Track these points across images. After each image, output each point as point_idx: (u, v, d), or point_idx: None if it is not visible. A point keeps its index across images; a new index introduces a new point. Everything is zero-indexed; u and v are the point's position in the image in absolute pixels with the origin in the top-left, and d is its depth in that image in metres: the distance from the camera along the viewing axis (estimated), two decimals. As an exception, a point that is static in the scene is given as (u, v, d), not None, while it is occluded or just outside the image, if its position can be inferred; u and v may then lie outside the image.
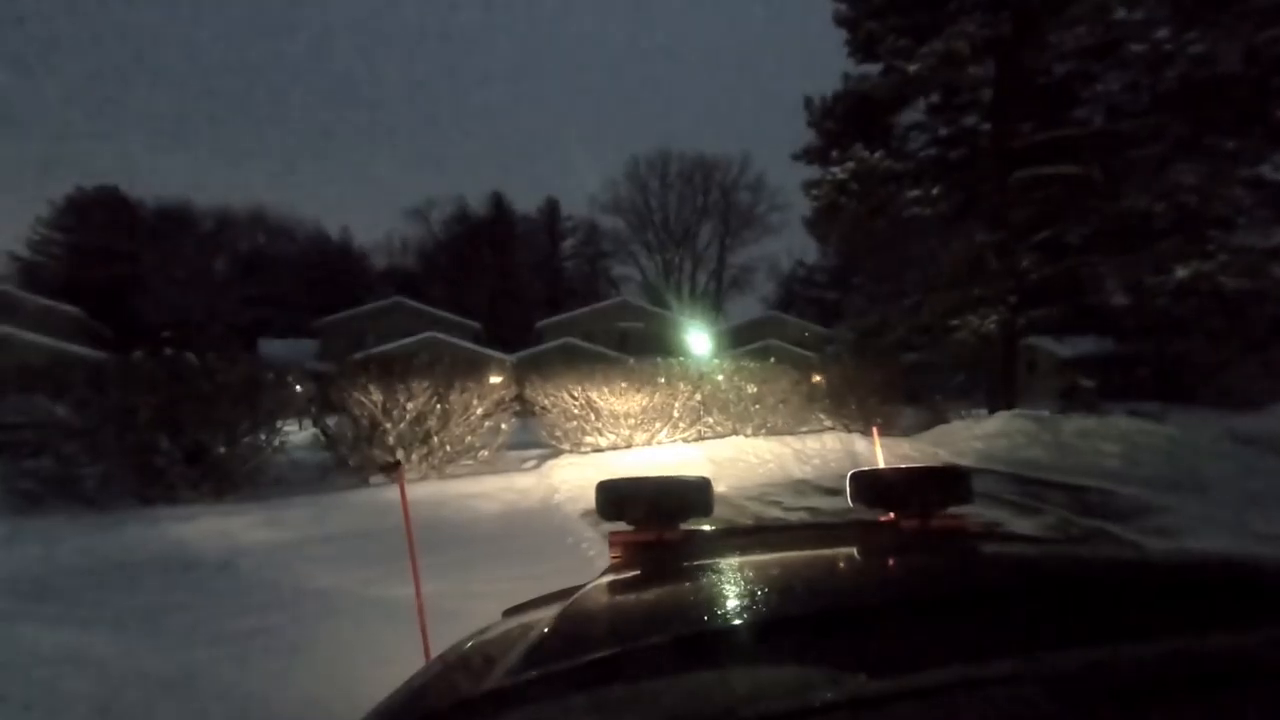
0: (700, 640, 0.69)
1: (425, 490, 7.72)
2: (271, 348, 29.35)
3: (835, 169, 11.81)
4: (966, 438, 11.89)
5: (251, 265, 43.11)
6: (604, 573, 1.18)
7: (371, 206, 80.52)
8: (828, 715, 0.50)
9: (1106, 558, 1.10)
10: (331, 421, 8.59)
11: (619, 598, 1.02)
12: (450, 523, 7.00)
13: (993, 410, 13.39)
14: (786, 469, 9.68)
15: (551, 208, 57.09)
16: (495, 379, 9.29)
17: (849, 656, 0.60)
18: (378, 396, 8.14)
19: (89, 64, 74.23)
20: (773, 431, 11.29)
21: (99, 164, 62.99)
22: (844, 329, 21.26)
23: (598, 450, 9.73)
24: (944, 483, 1.34)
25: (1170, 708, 0.50)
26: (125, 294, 36.14)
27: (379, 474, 8.04)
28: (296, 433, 9.21)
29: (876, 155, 11.65)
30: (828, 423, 12.54)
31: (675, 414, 10.50)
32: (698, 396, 10.73)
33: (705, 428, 10.85)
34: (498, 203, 54.31)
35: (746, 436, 10.76)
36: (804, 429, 11.70)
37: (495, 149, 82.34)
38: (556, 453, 9.97)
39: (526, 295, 47.92)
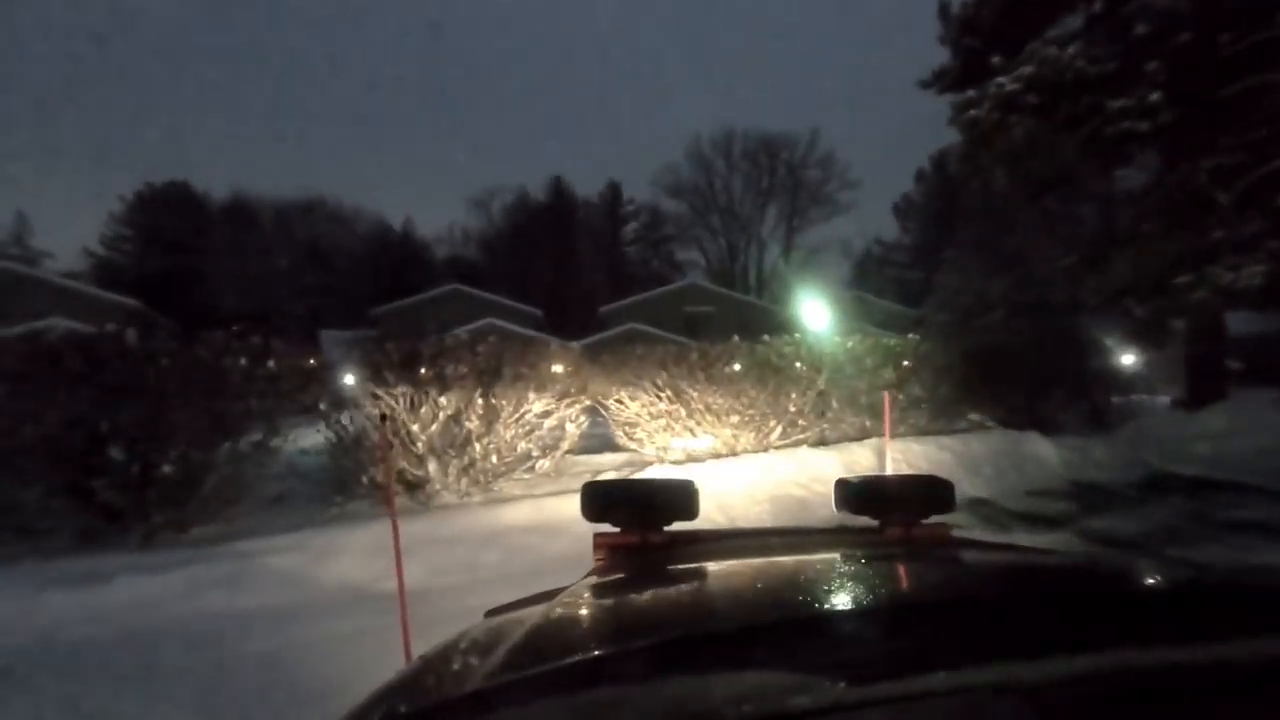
0: (681, 645, 0.66)
1: (464, 520, 5.53)
2: (332, 338, 28.60)
3: (1001, 79, 8.91)
4: (1179, 437, 8.89)
5: (315, 256, 42.73)
6: (587, 575, 1.17)
7: (434, 199, 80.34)
8: None
9: (1087, 567, 1.05)
10: (349, 421, 6.49)
11: (601, 601, 1.01)
12: (498, 574, 4.78)
13: (1198, 399, 10.25)
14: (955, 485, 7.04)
15: (613, 192, 55.28)
16: (557, 367, 7.00)
17: (829, 663, 0.59)
18: (402, 389, 5.98)
19: (158, 55, 76.30)
20: (917, 430, 8.62)
21: (169, 158, 64.64)
22: (931, 309, 18.22)
23: (694, 459, 7.32)
24: (927, 492, 1.34)
25: (1149, 717, 0.51)
26: (193, 287, 36.13)
27: (402, 491, 5.91)
28: (314, 435, 7.11)
29: (1069, 51, 8.66)
30: (973, 416, 9.78)
31: (792, 408, 7.98)
32: (819, 384, 8.16)
33: (829, 425, 8.29)
34: (557, 188, 52.83)
35: (900, 437, 8.12)
36: (958, 426, 8.99)
37: (556, 135, 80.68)
38: (638, 462, 7.61)
39: (588, 281, 46.32)
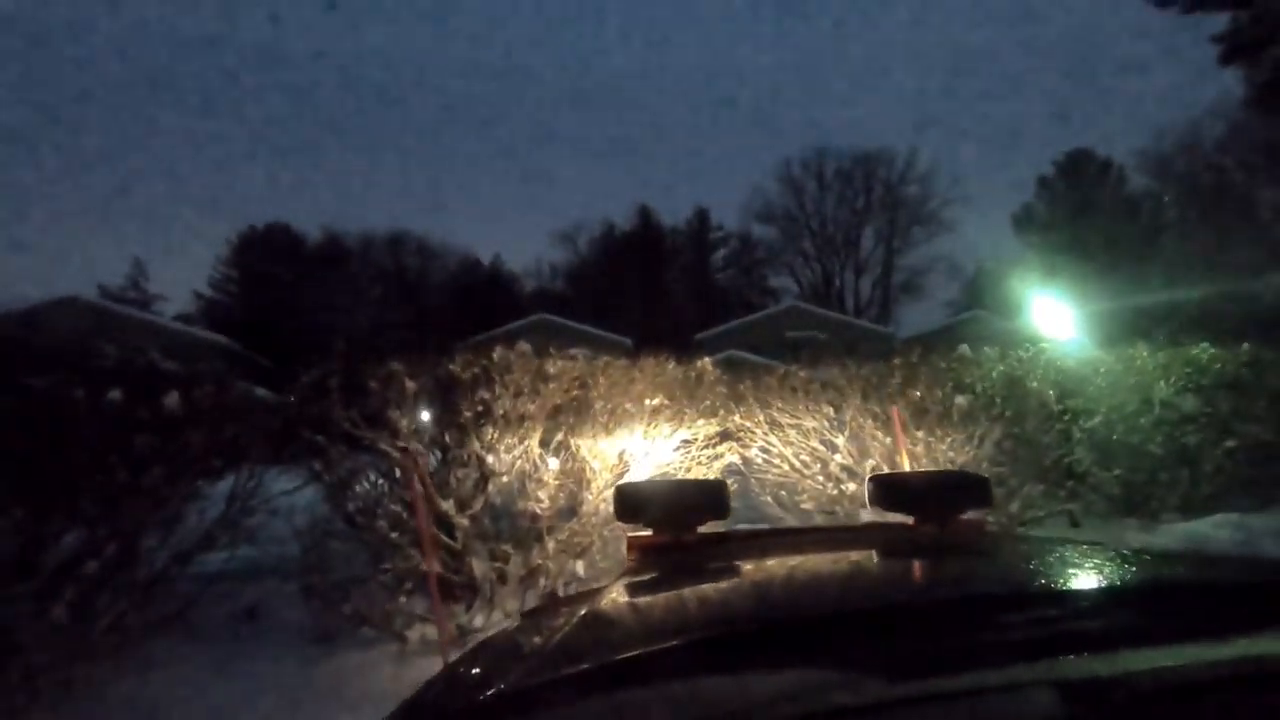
0: (716, 644, 0.65)
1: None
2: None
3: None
4: None
5: (405, 291, 42.88)
6: (621, 575, 1.16)
7: (522, 234, 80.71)
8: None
9: (1126, 562, 1.01)
10: (365, 490, 4.04)
11: (635, 600, 1.01)
12: None
13: None
14: None
15: (701, 219, 53.52)
16: (686, 399, 4.34)
17: (867, 660, 0.57)
18: (429, 439, 3.51)
19: (260, 99, 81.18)
20: (1264, 502, 5.29)
21: (275, 199, 68.14)
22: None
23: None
24: (962, 487, 1.32)
25: (1187, 713, 0.49)
26: (289, 325, 36.50)
27: (418, 615, 3.36)
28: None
29: None
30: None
31: (1046, 462, 4.94)
32: (1094, 422, 5.09)
33: (1111, 490, 5.17)
34: (645, 216, 51.59)
35: (1209, 508, 4.86)
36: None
37: (642, 166, 79.52)
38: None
39: (678, 310, 44.61)
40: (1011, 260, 45.26)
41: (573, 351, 4.24)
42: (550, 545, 3.54)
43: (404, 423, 3.34)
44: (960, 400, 4.52)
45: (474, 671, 0.81)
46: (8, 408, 2.43)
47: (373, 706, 2.84)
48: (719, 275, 53.92)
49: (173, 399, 2.78)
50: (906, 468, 4.82)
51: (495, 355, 3.41)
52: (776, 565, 1.12)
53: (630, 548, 1.29)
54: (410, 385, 3.33)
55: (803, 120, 72.86)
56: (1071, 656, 0.54)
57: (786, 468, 5.20)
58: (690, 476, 4.22)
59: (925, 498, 1.29)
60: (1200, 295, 11.66)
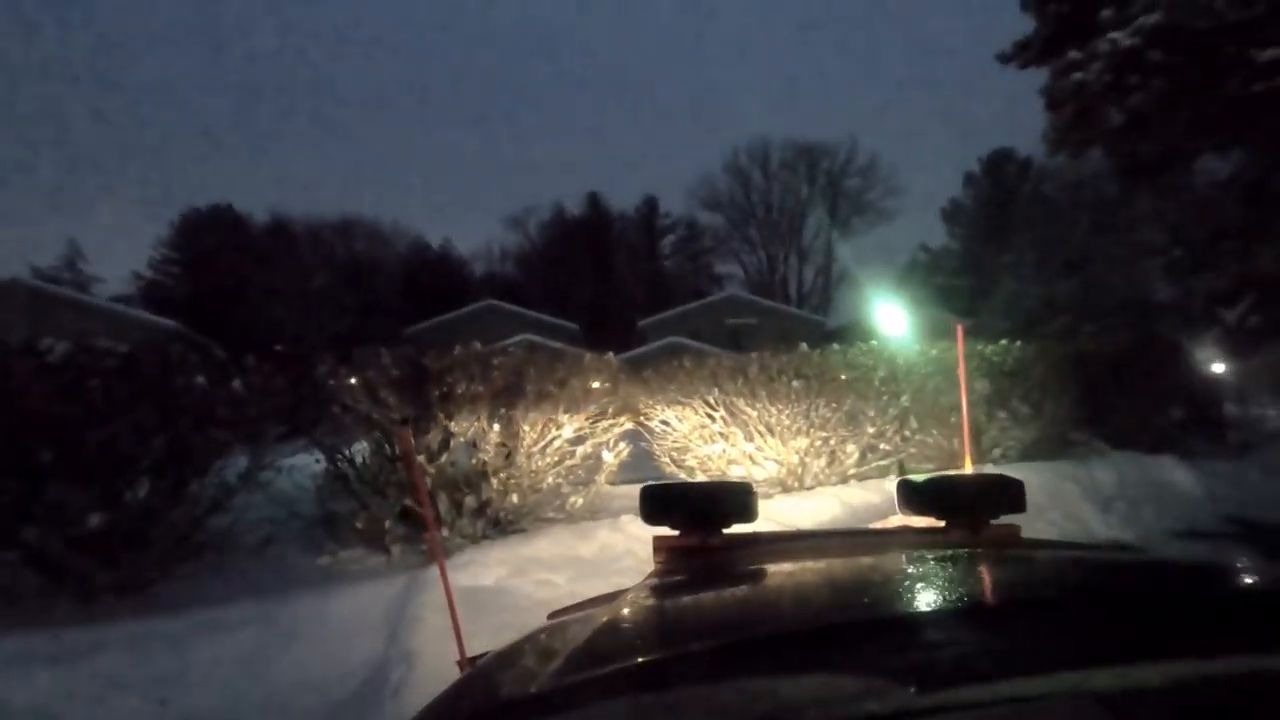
0: (744, 648, 0.65)
1: (474, 573, 4.40)
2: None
3: (1115, 35, 7.44)
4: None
5: (354, 275, 42.85)
6: (648, 577, 1.15)
7: (471, 218, 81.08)
8: None
9: (1171, 569, 0.99)
10: (356, 450, 5.46)
11: (663, 603, 1.00)
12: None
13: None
14: (1086, 525, 5.67)
15: (649, 206, 54.78)
16: (592, 384, 5.88)
17: (895, 667, 0.56)
18: (405, 412, 4.94)
19: (203, 83, 78.67)
20: (1020, 452, 7.22)
21: (216, 181, 66.72)
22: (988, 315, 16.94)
23: (762, 495, 6.11)
24: (995, 491, 1.29)
25: None
26: (235, 308, 36.33)
27: (399, 536, 4.81)
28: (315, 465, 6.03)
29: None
30: (1075, 435, 8.27)
31: (871, 429, 6.69)
32: (903, 400, 6.86)
33: (915, 449, 6.98)
34: (594, 203, 52.51)
35: (997, 463, 6.76)
36: (1070, 450, 7.54)
37: (593, 152, 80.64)
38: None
39: (626, 296, 45.77)
40: (941, 253, 48.44)
41: (510, 343, 5.72)
42: (494, 484, 5.04)
43: (392, 400, 4.77)
44: (796, 383, 6.21)
45: (503, 672, 0.81)
46: (137, 392, 3.77)
47: (368, 583, 4.28)
48: (667, 261, 55.45)
49: (238, 384, 4.15)
50: (969, 465, 5.83)
51: (456, 351, 4.88)
52: (804, 569, 1.10)
53: (656, 549, 1.27)
54: (395, 373, 4.76)
55: (751, 110, 74.90)
56: (1109, 667, 0.52)
57: (679, 436, 6.81)
58: (596, 440, 5.77)
59: (956, 502, 1.27)
60: (1006, 297, 14.09)
